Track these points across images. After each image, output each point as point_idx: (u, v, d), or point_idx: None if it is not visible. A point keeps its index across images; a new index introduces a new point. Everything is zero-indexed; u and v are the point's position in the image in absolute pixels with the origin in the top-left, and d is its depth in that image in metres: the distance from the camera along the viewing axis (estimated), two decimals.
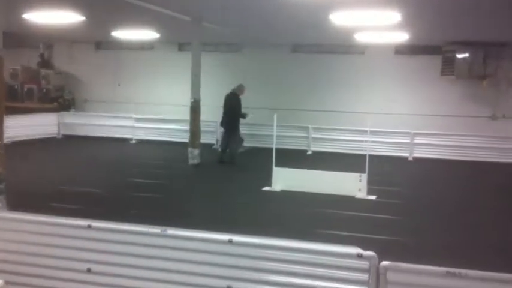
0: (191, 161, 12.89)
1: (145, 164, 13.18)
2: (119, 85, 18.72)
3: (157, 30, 14.60)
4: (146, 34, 15.11)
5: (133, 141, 17.11)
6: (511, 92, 14.49)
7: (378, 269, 3.85)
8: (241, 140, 14.08)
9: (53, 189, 9.74)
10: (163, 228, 4.31)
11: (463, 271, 3.70)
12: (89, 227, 4.45)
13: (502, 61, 14.57)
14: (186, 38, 14.72)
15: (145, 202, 9.16)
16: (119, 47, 18.24)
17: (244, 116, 13.51)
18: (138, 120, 17.34)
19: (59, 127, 17.69)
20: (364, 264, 3.90)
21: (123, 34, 15.34)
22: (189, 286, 4.21)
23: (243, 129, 14.29)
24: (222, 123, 13.77)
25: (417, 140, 15.01)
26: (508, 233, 7.84)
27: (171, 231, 4.30)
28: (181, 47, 17.82)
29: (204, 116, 13.64)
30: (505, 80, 14.62)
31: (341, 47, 16.23)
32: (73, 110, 18.90)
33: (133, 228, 4.41)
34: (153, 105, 17.90)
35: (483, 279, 3.73)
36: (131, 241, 4.36)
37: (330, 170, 10.57)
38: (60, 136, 17.58)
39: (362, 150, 11.38)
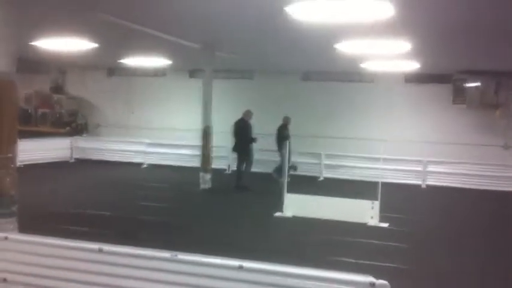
0: (202, 186, 12.90)
1: (157, 187, 13.20)
2: (132, 113, 18.90)
3: (169, 58, 14.78)
4: (158, 61, 15.30)
5: (145, 166, 17.17)
6: None
7: None
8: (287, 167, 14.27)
9: (65, 212, 9.78)
10: (174, 253, 4.29)
11: None
12: (100, 250, 4.45)
13: None
14: (197, 65, 14.87)
15: (156, 226, 9.14)
16: (131, 74, 18.48)
17: (253, 140, 13.51)
18: (149, 145, 17.45)
19: (71, 151, 17.83)
20: None
21: (135, 61, 15.55)
22: None
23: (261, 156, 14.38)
24: (233, 149, 13.76)
25: (430, 168, 14.92)
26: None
27: (182, 256, 4.28)
28: (192, 74, 17.98)
29: (215, 141, 13.70)
30: None
31: (351, 75, 16.30)
32: (86, 134, 19.09)
33: (144, 252, 4.41)
34: (165, 130, 18.04)
35: None
36: (141, 265, 4.35)
37: (341, 196, 10.51)
38: (72, 160, 17.69)
39: (374, 177, 11.31)
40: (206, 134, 13.10)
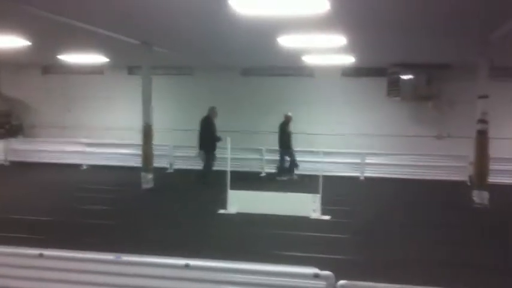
0: (144, 186, 12.74)
1: (97, 189, 12.90)
2: (69, 111, 18.39)
3: (107, 54, 14.48)
4: (95, 58, 14.95)
5: (85, 167, 16.76)
6: (455, 112, 15.01)
7: None
8: (295, 165, 14.57)
9: (2, 218, 9.39)
10: (118, 254, 4.24)
11: (415, 287, 3.80)
12: (41, 256, 4.33)
13: (445, 83, 15.13)
14: (135, 61, 14.65)
15: (99, 229, 8.94)
16: (68, 71, 17.98)
17: (218, 139, 13.41)
18: (88, 145, 17.05)
19: (6, 154, 17.18)
20: (321, 284, 3.95)
21: (71, 58, 15.13)
22: None
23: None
24: (200, 147, 13.67)
25: (368, 160, 15.35)
26: (454, 248, 8.07)
27: (126, 257, 4.23)
28: (131, 70, 17.70)
29: (156, 139, 13.55)
30: (448, 101, 15.17)
31: (291, 70, 16.50)
32: (21, 136, 18.41)
33: (86, 255, 4.33)
34: (104, 129, 17.69)
35: None
36: (84, 269, 4.27)
37: (284, 191, 10.64)
38: (7, 163, 17.06)
39: (315, 170, 11.51)
40: (146, 132, 12.92)
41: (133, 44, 12.01)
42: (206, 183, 13.09)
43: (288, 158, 14.73)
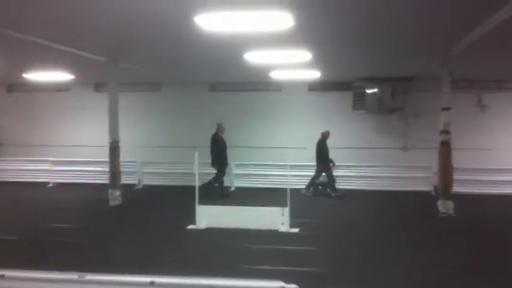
0: (112, 203, 12.60)
1: (64, 207, 12.70)
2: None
3: (72, 72, 14.36)
4: (61, 75, 14.79)
5: (51, 185, 16.50)
6: (419, 124, 15.31)
7: None
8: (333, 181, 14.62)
9: None
10: (81, 274, 4.18)
11: None
12: (3, 277, 4.25)
13: (409, 95, 15.43)
14: (101, 78, 14.56)
15: (64, 247, 8.78)
16: (33, 89, 17.72)
17: (222, 156, 14.02)
18: (55, 163, 16.83)
19: None
20: None
21: (37, 76, 14.94)
22: None
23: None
24: (211, 163, 14.05)
25: (335, 173, 15.49)
26: (420, 259, 8.20)
27: (90, 276, 4.18)
28: (98, 87, 17.55)
29: (124, 156, 13.45)
30: (413, 113, 15.47)
31: (257, 85, 16.60)
32: None
33: (49, 276, 4.25)
34: (71, 147, 17.44)
35: None
36: None
37: (253, 205, 10.67)
38: None
39: (283, 184, 11.58)
40: (113, 149, 12.80)
41: (99, 60, 11.94)
42: (222, 197, 13.55)
43: (324, 175, 14.78)
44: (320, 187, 14.82)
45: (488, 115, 15.59)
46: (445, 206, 11.51)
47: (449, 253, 8.42)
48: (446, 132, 11.59)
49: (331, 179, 14.64)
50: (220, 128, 14.26)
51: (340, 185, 15.26)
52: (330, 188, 14.55)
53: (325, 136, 14.90)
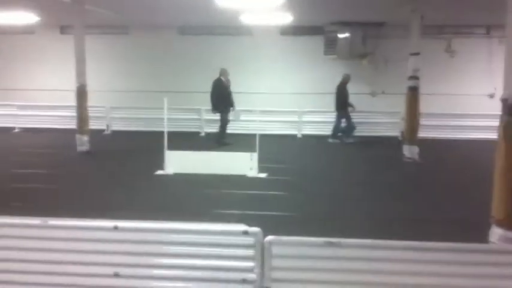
0: (80, 148, 12.47)
1: (30, 153, 12.54)
2: None
3: (37, 13, 13.82)
4: (25, 17, 14.22)
5: (17, 130, 16.21)
6: (389, 69, 15.33)
7: (263, 243, 3.99)
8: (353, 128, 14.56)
9: None
10: (44, 219, 4.16)
11: (341, 240, 3.95)
12: None
13: (380, 40, 15.38)
14: (68, 20, 14.07)
15: (30, 193, 8.74)
16: None
17: (225, 100, 13.47)
18: (20, 107, 16.47)
19: None
20: (250, 240, 4.03)
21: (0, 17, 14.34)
22: (75, 276, 4.12)
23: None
24: (212, 109, 13.69)
25: (305, 118, 15.58)
26: (384, 201, 8.40)
27: (52, 221, 4.16)
28: (64, 30, 17.01)
29: (92, 101, 13.21)
30: (383, 59, 15.46)
31: (228, 29, 16.31)
32: None
33: (10, 221, 4.23)
34: (37, 91, 17.05)
35: (359, 246, 4.00)
36: (9, 234, 4.17)
37: (222, 150, 10.69)
38: None
39: (253, 129, 11.57)
40: (81, 93, 12.55)
41: (64, 1, 11.50)
42: (222, 143, 13.25)
43: (343, 120, 14.65)
44: (340, 133, 14.74)
45: (457, 61, 15.69)
46: (410, 151, 11.72)
47: (409, 200, 8.60)
48: (414, 77, 11.66)
49: (350, 126, 14.56)
50: (223, 72, 13.68)
51: (308, 130, 15.38)
52: (346, 133, 14.49)
53: (345, 81, 14.62)
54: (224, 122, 13.66)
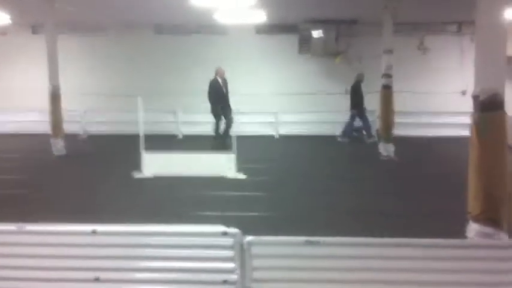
0: (56, 153, 12.31)
1: (4, 158, 12.31)
2: None
3: (7, 11, 13.54)
4: None
5: None
6: (362, 67, 15.42)
7: (242, 244, 4.00)
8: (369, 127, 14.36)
9: None
10: (20, 224, 4.11)
11: (321, 239, 3.98)
12: None
13: (353, 38, 15.50)
14: (40, 20, 13.82)
15: (5, 199, 8.58)
16: None
17: (217, 102, 13.20)
18: None
19: None
20: (229, 241, 4.04)
21: None
22: (55, 282, 4.08)
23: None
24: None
25: (282, 118, 15.60)
26: (365, 200, 8.49)
27: (29, 226, 4.11)
28: (36, 30, 16.71)
29: (67, 104, 13.04)
30: (356, 56, 15.57)
31: (204, 28, 16.23)
32: None
33: None
34: (8, 94, 16.66)
35: (339, 244, 4.04)
36: None
37: (201, 152, 10.67)
38: None
39: (231, 130, 11.58)
40: (54, 96, 12.36)
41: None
42: (217, 144, 12.89)
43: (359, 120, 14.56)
44: (355, 133, 14.70)
45: (430, 58, 15.89)
46: (386, 149, 11.84)
47: (384, 197, 8.68)
48: (387, 75, 11.79)
49: (367, 124, 14.48)
50: (218, 72, 13.43)
51: (285, 130, 15.41)
52: (367, 133, 14.40)
53: (360, 79, 14.56)
54: (217, 121, 13.42)
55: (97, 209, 7.89)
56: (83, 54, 16.60)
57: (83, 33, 16.63)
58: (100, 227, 4.07)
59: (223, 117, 13.34)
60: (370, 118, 14.64)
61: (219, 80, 13.42)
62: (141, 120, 10.17)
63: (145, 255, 4.09)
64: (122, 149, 13.04)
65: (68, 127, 13.39)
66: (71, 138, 13.40)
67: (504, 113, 5.43)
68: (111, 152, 13.17)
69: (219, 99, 13.33)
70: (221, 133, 13.34)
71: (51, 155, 12.24)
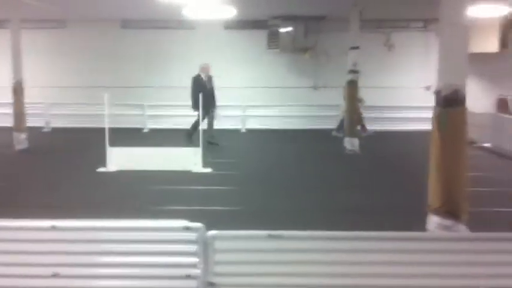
0: (18, 147, 12.05)
1: None
2: None
3: None
4: None
5: None
6: (330, 63, 15.55)
7: (205, 238, 3.97)
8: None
9: None
10: None
11: (284, 232, 3.98)
12: None
13: (321, 34, 15.58)
14: (3, 14, 13.52)
15: None
16: None
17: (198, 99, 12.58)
18: None
19: None
20: (192, 235, 4.00)
21: None
22: (12, 277, 3.98)
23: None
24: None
25: (249, 112, 15.61)
26: (327, 195, 8.55)
27: None
28: (1, 24, 16.31)
29: (30, 97, 12.79)
30: (324, 52, 15.68)
31: (171, 23, 16.09)
32: None
33: None
34: None
35: (300, 238, 4.05)
36: None
37: (167, 146, 10.57)
38: None
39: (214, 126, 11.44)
40: (16, 89, 12.12)
41: None
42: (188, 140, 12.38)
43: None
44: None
45: (396, 54, 16.11)
46: (351, 144, 11.96)
47: (346, 191, 8.75)
48: (354, 71, 11.91)
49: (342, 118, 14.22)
50: (202, 68, 12.97)
51: (252, 124, 15.43)
52: (362, 127, 14.25)
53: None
54: (197, 119, 12.85)
55: (58, 204, 7.74)
56: (46, 47, 16.30)
57: (48, 26, 16.32)
58: (59, 223, 3.99)
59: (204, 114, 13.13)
60: (334, 112, 14.73)
61: (203, 76, 13.20)
62: (107, 114, 10.01)
63: (105, 251, 4.02)
64: (87, 142, 12.87)
65: (32, 121, 13.14)
66: (34, 131, 13.15)
67: (465, 109, 5.53)
68: (75, 146, 12.97)
69: (203, 96, 13.09)
70: (192, 128, 13.12)
71: (13, 149, 11.96)
